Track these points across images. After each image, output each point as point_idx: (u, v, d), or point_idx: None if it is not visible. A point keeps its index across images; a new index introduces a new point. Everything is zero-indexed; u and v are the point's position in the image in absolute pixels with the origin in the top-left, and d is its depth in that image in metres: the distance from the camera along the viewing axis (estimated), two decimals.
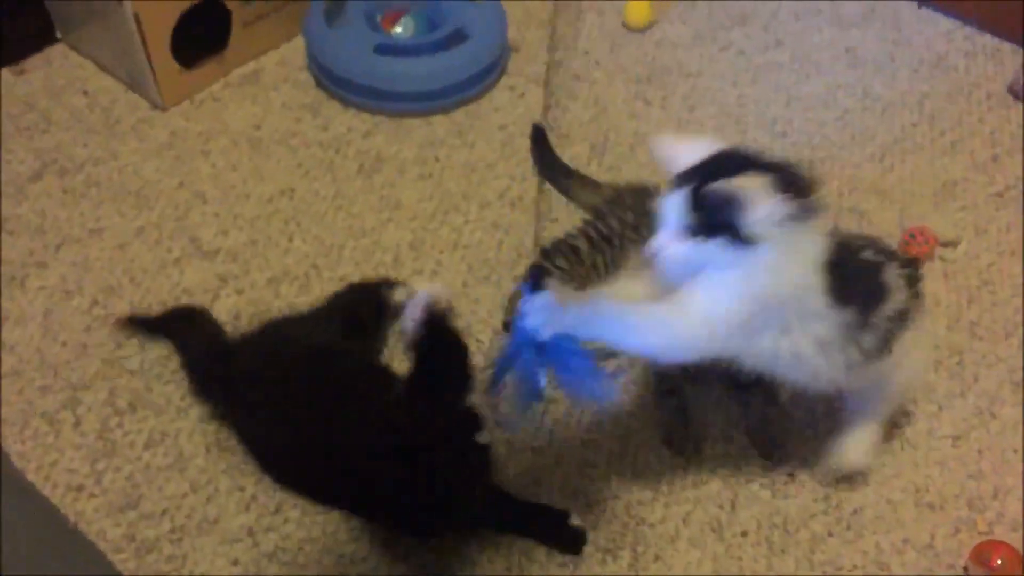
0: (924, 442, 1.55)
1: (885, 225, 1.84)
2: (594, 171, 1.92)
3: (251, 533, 1.44)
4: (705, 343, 1.19)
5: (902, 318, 1.29)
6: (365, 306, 1.64)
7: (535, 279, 1.19)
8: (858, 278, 1.24)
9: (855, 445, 1.45)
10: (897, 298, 1.28)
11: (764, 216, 1.10)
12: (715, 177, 1.12)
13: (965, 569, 1.41)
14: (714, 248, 1.13)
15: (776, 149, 1.97)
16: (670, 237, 1.16)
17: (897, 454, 1.54)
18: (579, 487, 1.50)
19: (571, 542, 1.42)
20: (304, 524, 1.45)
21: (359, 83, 2.00)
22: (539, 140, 1.94)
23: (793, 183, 1.13)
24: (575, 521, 1.43)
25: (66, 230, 1.82)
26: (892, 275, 1.29)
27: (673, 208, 1.15)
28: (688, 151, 1.18)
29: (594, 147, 1.98)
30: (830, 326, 1.22)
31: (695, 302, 1.17)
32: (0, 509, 0.88)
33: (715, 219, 1.11)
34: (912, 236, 1.78)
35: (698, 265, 1.16)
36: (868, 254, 1.29)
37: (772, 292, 1.16)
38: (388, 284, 1.68)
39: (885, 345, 1.27)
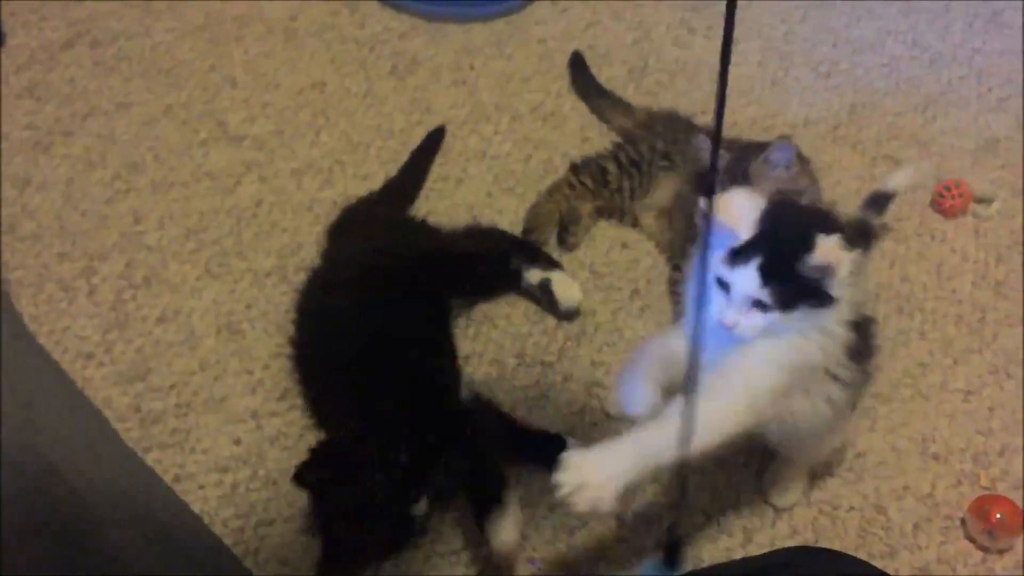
0: (936, 394, 1.54)
1: (921, 176, 1.80)
2: (630, 95, 1.89)
3: (255, 416, 1.45)
4: (747, 418, 1.12)
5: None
6: (490, 262, 1.59)
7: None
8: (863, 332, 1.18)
9: (788, 486, 1.41)
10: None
11: (845, 277, 1.07)
12: (783, 246, 1.05)
13: (963, 521, 1.40)
14: (797, 315, 1.07)
15: (819, 89, 1.93)
16: (744, 310, 1.08)
17: (907, 403, 1.52)
18: (586, 404, 1.49)
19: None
20: (308, 412, 1.45)
21: None
22: (577, 63, 1.91)
23: (857, 234, 1.13)
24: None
25: (94, 101, 1.80)
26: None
27: (743, 281, 1.06)
28: (736, 209, 1.08)
29: (632, 70, 1.95)
30: (842, 385, 1.17)
31: (743, 381, 1.10)
32: (10, 366, 0.88)
33: (804, 289, 1.06)
34: (947, 188, 1.74)
35: (772, 331, 1.09)
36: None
37: (811, 357, 1.12)
38: (524, 254, 1.60)
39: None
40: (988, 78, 1.98)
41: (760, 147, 1.53)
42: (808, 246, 1.04)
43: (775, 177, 1.51)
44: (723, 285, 1.07)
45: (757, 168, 1.50)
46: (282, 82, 1.86)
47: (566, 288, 1.56)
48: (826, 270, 1.05)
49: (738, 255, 1.06)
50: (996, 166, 1.83)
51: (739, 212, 1.07)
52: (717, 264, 1.07)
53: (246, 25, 1.95)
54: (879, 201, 1.58)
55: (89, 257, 1.60)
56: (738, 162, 1.52)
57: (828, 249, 1.05)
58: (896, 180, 1.60)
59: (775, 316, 1.07)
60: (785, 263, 1.05)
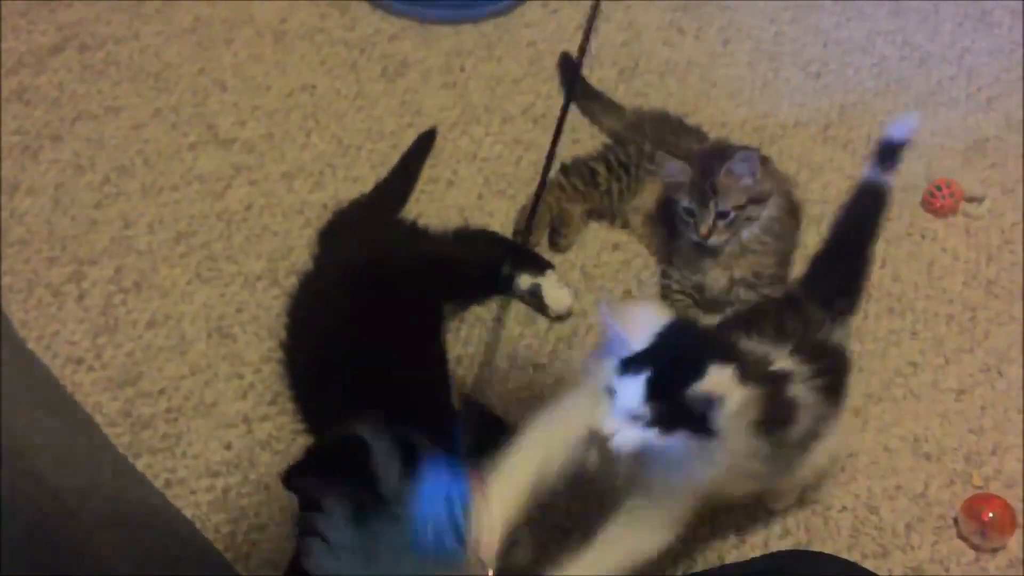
0: (927, 393, 1.54)
1: (911, 176, 1.80)
2: (620, 96, 1.88)
3: (246, 420, 1.44)
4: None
5: (817, 426, 1.21)
6: (481, 267, 1.58)
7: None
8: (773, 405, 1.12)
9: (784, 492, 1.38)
10: (808, 412, 1.18)
11: (733, 409, 1.01)
12: (673, 366, 1.01)
13: (955, 521, 1.41)
14: (675, 441, 1.02)
15: (808, 90, 1.94)
16: (623, 421, 1.02)
17: (899, 402, 1.52)
18: None
19: None
20: (298, 416, 1.44)
21: None
22: (567, 65, 1.91)
23: (750, 368, 1.06)
24: None
25: (83, 106, 1.80)
26: (800, 388, 1.17)
27: (627, 393, 1.02)
28: (635, 322, 1.05)
29: (623, 72, 1.95)
30: (759, 458, 1.13)
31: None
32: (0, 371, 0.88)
33: (684, 416, 1.02)
34: (938, 188, 1.74)
35: (652, 452, 1.05)
36: (775, 364, 1.16)
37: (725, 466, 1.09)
38: (516, 257, 1.58)
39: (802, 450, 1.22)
40: (978, 77, 1.99)
41: (720, 155, 1.52)
42: (699, 373, 0.99)
43: (743, 187, 1.51)
44: (610, 392, 1.03)
45: (724, 181, 1.50)
46: (272, 85, 1.86)
47: (556, 294, 1.56)
48: (711, 402, 1.00)
49: (629, 365, 1.02)
50: (986, 165, 1.84)
51: (637, 324, 1.03)
52: (607, 371, 1.03)
53: (235, 28, 1.94)
54: (888, 153, 1.35)
55: (79, 262, 1.59)
56: (703, 176, 1.51)
57: (718, 380, 1.00)
58: (900, 128, 1.36)
59: (652, 436, 1.02)
60: (672, 384, 1.00)
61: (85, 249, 1.60)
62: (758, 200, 1.52)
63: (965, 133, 1.89)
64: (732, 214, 1.50)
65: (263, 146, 1.76)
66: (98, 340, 1.50)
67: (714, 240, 1.52)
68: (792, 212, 1.62)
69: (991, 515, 1.36)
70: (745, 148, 1.54)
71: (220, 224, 1.65)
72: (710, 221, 1.51)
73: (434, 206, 1.71)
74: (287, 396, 1.46)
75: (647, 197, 1.67)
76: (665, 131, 1.72)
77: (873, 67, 1.99)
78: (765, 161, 1.57)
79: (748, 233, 1.53)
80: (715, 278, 1.56)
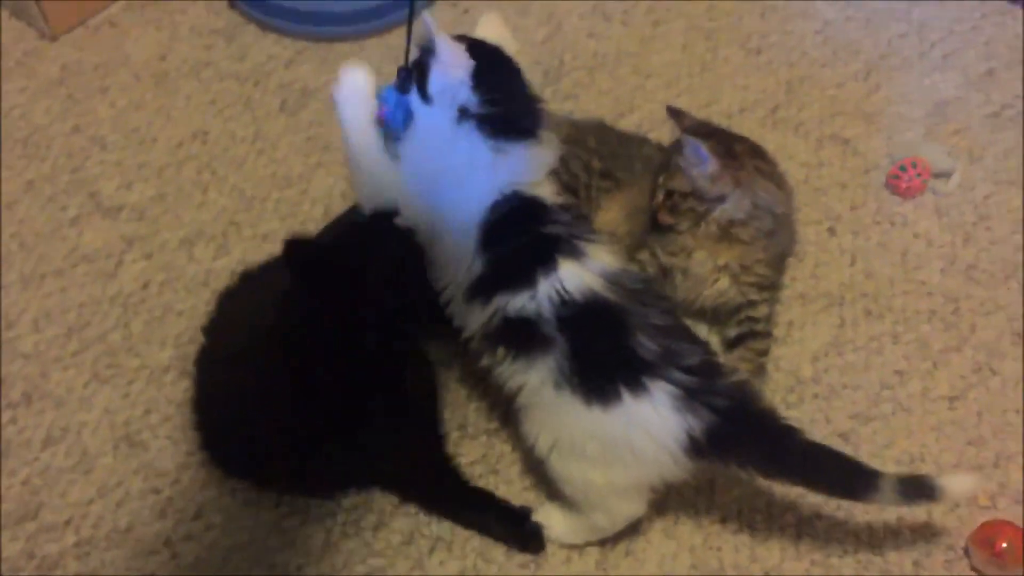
0: (918, 405, 1.41)
1: (872, 155, 1.66)
2: (548, 102, 1.70)
3: (168, 543, 1.27)
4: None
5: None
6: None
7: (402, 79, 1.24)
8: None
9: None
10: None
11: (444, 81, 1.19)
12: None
13: (966, 551, 1.28)
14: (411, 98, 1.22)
15: (751, 69, 1.77)
16: None
17: (889, 420, 1.39)
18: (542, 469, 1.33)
19: (528, 541, 1.26)
20: (229, 531, 1.28)
21: (280, 2, 1.75)
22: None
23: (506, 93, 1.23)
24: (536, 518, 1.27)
25: None
26: None
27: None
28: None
29: (547, 73, 1.77)
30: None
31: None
32: None
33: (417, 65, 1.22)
34: (902, 169, 1.60)
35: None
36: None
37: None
38: None
39: None
40: (930, 32, 1.84)
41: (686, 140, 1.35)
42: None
43: (692, 175, 1.33)
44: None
45: (677, 161, 1.35)
46: (158, 136, 1.66)
47: None
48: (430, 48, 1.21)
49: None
50: (949, 132, 1.70)
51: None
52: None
53: (109, 73, 1.73)
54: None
55: None
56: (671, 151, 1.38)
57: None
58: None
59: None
60: None
61: None
62: (704, 196, 1.35)
63: (923, 96, 1.74)
64: (675, 197, 1.36)
65: (155, 210, 1.57)
66: None
67: (662, 218, 1.37)
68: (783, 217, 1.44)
69: (1004, 545, 1.24)
70: (688, 135, 1.36)
71: (115, 310, 1.46)
72: (660, 197, 1.37)
73: None
74: (214, 507, 1.29)
75: (606, 219, 1.48)
76: (612, 142, 1.54)
77: (817, 34, 1.84)
78: (734, 156, 1.39)
79: (726, 219, 1.35)
80: (700, 261, 1.39)
